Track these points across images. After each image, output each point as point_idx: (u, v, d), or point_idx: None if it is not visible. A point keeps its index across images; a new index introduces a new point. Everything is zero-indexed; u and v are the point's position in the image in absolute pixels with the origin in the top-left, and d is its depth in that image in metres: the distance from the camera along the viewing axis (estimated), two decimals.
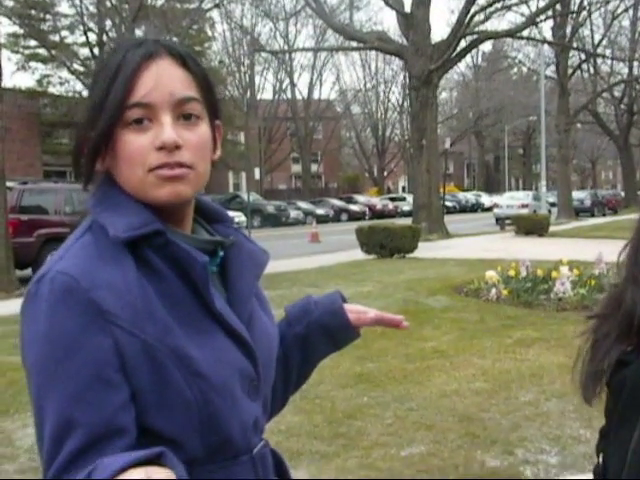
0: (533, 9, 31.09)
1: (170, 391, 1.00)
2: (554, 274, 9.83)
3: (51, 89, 38.72)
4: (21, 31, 35.42)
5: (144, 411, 1.00)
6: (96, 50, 36.07)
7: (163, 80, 1.06)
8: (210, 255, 1.12)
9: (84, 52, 37.00)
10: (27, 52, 37.66)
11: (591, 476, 4.05)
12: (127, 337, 0.98)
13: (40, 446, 1.01)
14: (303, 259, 17.12)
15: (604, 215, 42.73)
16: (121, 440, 0.97)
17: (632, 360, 1.18)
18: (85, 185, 1.12)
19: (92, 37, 36.60)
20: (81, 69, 35.37)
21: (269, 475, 1.15)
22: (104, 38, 35.26)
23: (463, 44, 26.24)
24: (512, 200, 36.21)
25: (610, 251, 11.73)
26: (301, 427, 4.93)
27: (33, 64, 38.18)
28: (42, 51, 36.33)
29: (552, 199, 41.79)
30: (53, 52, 34.52)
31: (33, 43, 36.46)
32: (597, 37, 43.39)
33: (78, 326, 0.97)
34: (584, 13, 36.88)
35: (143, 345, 0.99)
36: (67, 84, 38.35)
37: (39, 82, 38.68)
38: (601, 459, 1.28)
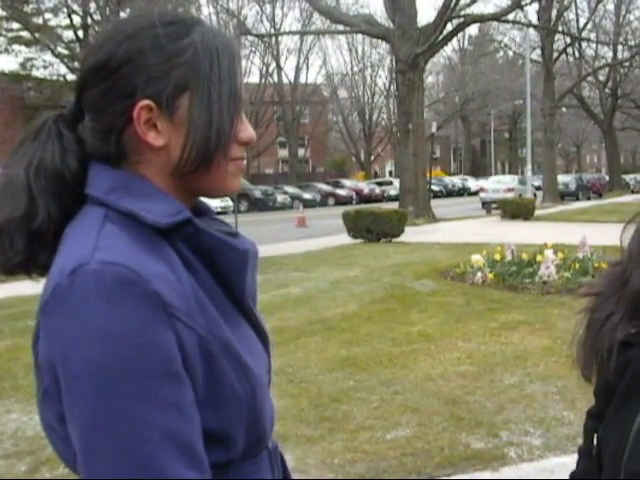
0: None
1: (223, 386, 0.96)
2: (539, 258, 9.88)
3: (35, 72, 38.44)
4: (3, 13, 35.07)
5: (198, 409, 0.93)
6: (80, 33, 35.78)
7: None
8: None
9: (68, 35, 36.70)
10: (10, 35, 37.30)
11: (574, 457, 4.08)
12: (186, 331, 0.91)
13: (95, 454, 0.86)
14: (290, 243, 17.12)
15: (589, 199, 42.93)
16: (201, 440, 0.92)
17: (638, 342, 1.15)
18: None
19: (76, 20, 36.31)
20: (65, 52, 35.09)
21: (279, 467, 1.14)
22: (88, 21, 34.98)
23: (449, 27, 26.19)
24: (498, 184, 36.31)
25: (594, 234, 11.82)
26: (287, 411, 4.94)
27: (16, 47, 37.84)
28: (25, 34, 35.97)
29: (537, 183, 41.96)
30: (36, 35, 34.21)
31: (16, 26, 36.08)
32: (582, 21, 43.57)
33: (143, 320, 0.87)
34: None
35: (198, 339, 0.93)
36: (51, 67, 38.10)
37: (22, 65, 38.36)
38: (594, 440, 1.26)
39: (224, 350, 0.96)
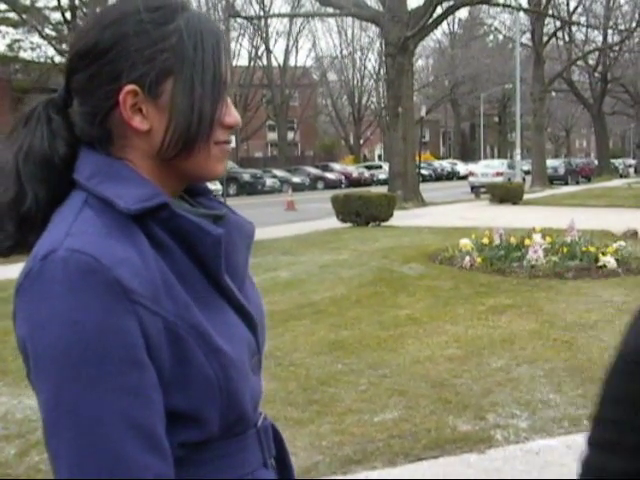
0: None
1: (192, 368, 0.97)
2: (527, 242, 9.93)
3: (22, 54, 38.09)
4: None
5: (165, 391, 0.96)
6: (68, 14, 35.47)
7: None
8: None
9: (56, 16, 36.42)
10: None
11: (560, 439, 4.10)
12: (150, 316, 0.94)
13: (55, 433, 0.91)
14: (279, 227, 17.11)
15: (577, 183, 43.06)
16: (162, 425, 0.95)
17: None
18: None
19: (64, 1, 35.98)
20: (53, 34, 34.77)
21: (271, 445, 1.16)
22: (76, 2, 34.65)
23: (439, 11, 26.11)
24: (487, 168, 36.36)
25: (583, 218, 11.85)
26: (276, 394, 4.97)
27: (3, 28, 37.49)
28: (13, 15, 35.60)
29: (527, 167, 42.03)
30: (24, 16, 33.86)
31: (3, 7, 35.70)
32: (572, 4, 43.54)
33: (104, 307, 0.90)
34: None
35: (165, 323, 0.95)
36: (39, 49, 37.76)
37: (10, 47, 38.01)
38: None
39: (194, 333, 0.98)
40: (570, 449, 4.04)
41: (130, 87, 0.99)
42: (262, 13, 50.98)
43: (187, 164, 1.04)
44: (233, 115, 1.07)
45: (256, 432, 1.11)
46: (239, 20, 47.20)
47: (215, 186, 33.42)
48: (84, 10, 34.18)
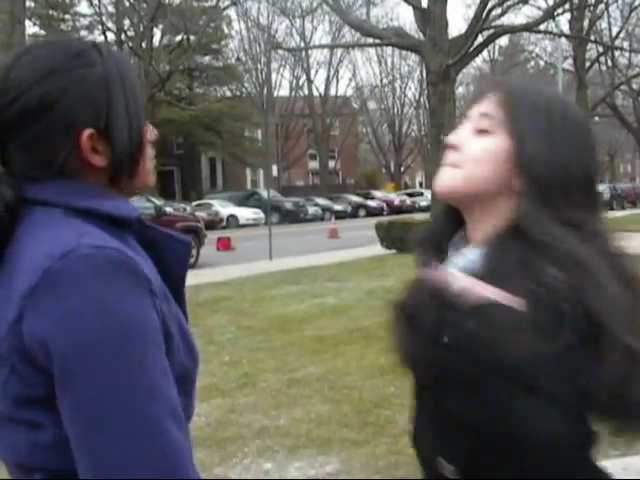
0: (550, 2, 31.06)
1: (175, 361, 1.04)
2: None
3: None
4: (42, 32, 35.83)
5: None
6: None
7: None
8: None
9: None
10: None
11: (615, 461, 4.09)
12: (160, 308, 1.01)
13: (106, 419, 0.93)
14: (323, 254, 17.23)
15: (623, 208, 42.57)
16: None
17: None
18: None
19: (111, 37, 36.96)
20: None
21: None
22: (122, 37, 35.57)
23: (480, 39, 26.24)
24: None
25: (631, 245, 11.78)
26: (330, 416, 5.06)
27: None
28: None
29: None
30: None
31: None
32: (615, 29, 43.19)
33: (135, 296, 0.97)
34: (601, 6, 36.77)
35: (164, 317, 1.02)
36: None
37: None
38: None
39: (181, 332, 1.07)
40: (626, 470, 4.06)
41: (88, 131, 1.05)
42: (303, 45, 51.69)
43: (132, 181, 1.13)
44: (151, 132, 1.18)
45: None
46: (280, 51, 47.96)
47: (257, 215, 33.83)
48: (130, 44, 35.09)
